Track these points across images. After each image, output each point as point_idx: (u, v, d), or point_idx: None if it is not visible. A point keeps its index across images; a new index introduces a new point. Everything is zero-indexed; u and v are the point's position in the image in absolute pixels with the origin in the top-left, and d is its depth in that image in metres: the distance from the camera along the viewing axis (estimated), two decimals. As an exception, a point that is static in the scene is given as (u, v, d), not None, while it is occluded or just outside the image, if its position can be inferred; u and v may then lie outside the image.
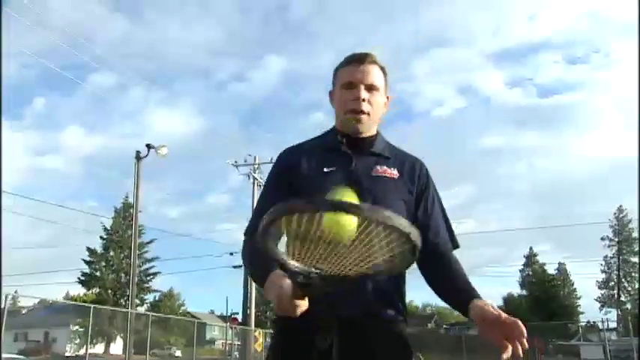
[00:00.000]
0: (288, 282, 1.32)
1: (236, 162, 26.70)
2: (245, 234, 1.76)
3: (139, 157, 21.06)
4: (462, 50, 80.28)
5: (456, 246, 1.82)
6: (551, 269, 55.16)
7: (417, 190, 1.79)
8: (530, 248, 55.78)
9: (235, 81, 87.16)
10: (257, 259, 1.55)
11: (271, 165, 1.92)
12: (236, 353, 27.66)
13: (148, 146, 20.91)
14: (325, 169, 1.72)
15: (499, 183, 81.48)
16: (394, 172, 1.76)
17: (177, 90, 75.68)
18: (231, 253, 28.53)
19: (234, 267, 27.64)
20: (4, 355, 17.00)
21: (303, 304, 1.34)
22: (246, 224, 1.78)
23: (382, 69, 1.80)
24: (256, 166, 26.41)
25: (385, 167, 1.76)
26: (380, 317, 1.67)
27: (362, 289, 1.63)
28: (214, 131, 75.05)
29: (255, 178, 25.89)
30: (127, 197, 40.50)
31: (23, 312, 37.56)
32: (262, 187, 1.87)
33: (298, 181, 1.72)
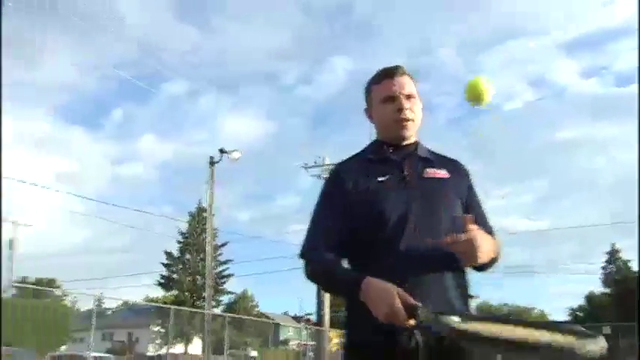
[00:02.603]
0: (404, 294, 1.53)
1: (306, 164, 27.00)
2: (305, 252, 1.84)
3: (212, 162, 21.68)
4: (532, 41, 77.67)
5: None
6: (636, 266, 52.37)
7: (467, 189, 1.91)
8: (613, 244, 53.16)
9: (302, 84, 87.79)
10: (339, 272, 1.75)
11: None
12: (311, 354, 27.89)
13: (221, 151, 21.50)
14: (379, 179, 1.80)
15: (576, 177, 78.12)
16: (444, 173, 1.87)
17: (246, 95, 77.16)
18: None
19: (307, 268, 27.80)
20: (95, 354, 17.94)
21: (410, 322, 1.52)
22: (307, 237, 1.85)
23: (412, 78, 1.91)
24: (325, 168, 26.57)
25: (434, 169, 1.86)
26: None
27: (441, 290, 1.72)
28: (283, 134, 75.98)
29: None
30: (200, 201, 41.71)
31: (108, 313, 39.45)
32: (317, 203, 1.90)
33: (354, 194, 1.80)
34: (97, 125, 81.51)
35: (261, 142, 72.45)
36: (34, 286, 28.94)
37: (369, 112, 1.96)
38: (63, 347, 24.08)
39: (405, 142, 1.90)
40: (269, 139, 75.38)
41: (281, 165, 75.86)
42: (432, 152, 1.94)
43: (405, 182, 1.81)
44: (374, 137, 1.99)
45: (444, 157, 1.96)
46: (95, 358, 17.89)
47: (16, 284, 26.71)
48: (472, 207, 1.89)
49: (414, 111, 1.87)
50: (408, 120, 1.85)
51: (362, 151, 1.96)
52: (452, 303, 1.74)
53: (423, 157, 1.90)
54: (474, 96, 1.88)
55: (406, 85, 1.87)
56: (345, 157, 1.98)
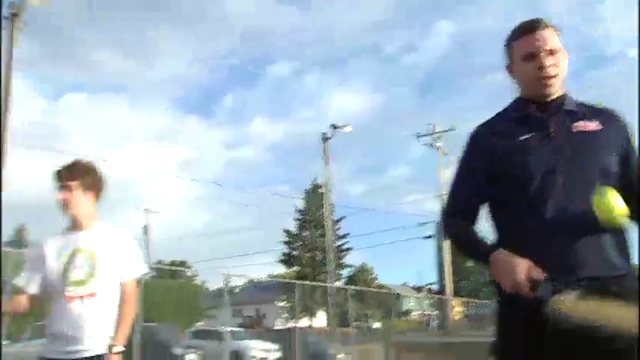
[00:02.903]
0: (532, 268, 1.56)
1: (418, 133, 26.61)
2: (445, 213, 1.91)
3: (325, 138, 21.98)
4: (656, -21, 70.33)
5: None
6: None
7: (624, 140, 1.78)
8: None
9: (406, 52, 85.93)
10: (472, 240, 1.80)
11: (460, 138, 1.98)
12: (434, 323, 27.77)
13: (334, 126, 21.78)
14: (522, 137, 1.74)
15: None
16: (596, 125, 1.75)
17: (350, 69, 77.17)
18: (421, 224, 28.35)
19: (425, 237, 27.61)
20: (230, 329, 19.02)
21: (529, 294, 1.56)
22: (446, 200, 1.93)
23: (556, 30, 1.80)
24: (437, 136, 26.03)
25: (584, 122, 1.75)
26: (622, 274, 1.66)
27: (597, 249, 1.64)
28: (390, 105, 75.16)
29: (438, 147, 25.60)
30: (315, 178, 42.51)
31: (236, 291, 41.59)
32: (457, 168, 1.92)
33: (495, 155, 1.76)
34: (209, 113, 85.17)
35: (368, 115, 72.33)
36: (169, 267, 31.09)
37: (510, 69, 1.87)
38: (198, 323, 25.70)
39: (550, 98, 1.79)
40: (376, 112, 75.10)
41: (390, 136, 75.35)
42: (582, 104, 1.83)
43: (550, 139, 1.72)
44: (516, 95, 1.90)
45: (597, 108, 1.83)
46: (231, 332, 18.93)
47: (154, 266, 28.79)
48: (629, 161, 1.75)
49: (558, 66, 1.76)
50: (551, 77, 1.75)
51: (503, 110, 1.90)
52: (611, 261, 1.65)
53: (571, 110, 1.79)
54: (604, 217, 1.62)
55: (549, 39, 1.76)
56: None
